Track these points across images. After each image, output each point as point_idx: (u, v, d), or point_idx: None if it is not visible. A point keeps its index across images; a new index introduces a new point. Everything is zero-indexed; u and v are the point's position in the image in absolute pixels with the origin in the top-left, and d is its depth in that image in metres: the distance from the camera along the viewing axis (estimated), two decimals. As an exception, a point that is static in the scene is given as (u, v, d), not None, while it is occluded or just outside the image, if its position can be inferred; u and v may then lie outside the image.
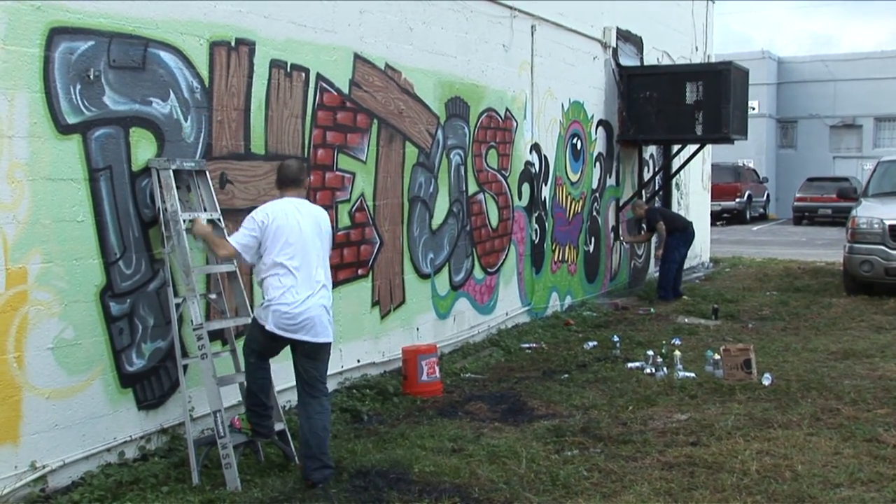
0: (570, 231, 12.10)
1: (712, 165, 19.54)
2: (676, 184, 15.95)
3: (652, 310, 12.18)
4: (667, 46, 15.39)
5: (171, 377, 6.01)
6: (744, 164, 32.62)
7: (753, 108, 29.15)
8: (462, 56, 9.34)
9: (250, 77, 6.64)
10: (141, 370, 5.85)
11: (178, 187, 5.82)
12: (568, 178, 11.98)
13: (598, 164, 12.96)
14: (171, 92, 5.99)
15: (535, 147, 11.03)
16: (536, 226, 11.12)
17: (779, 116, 38.30)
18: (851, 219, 13.34)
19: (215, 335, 6.16)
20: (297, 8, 7.05)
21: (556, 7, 11.34)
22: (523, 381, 8.15)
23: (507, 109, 10.29)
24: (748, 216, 31.66)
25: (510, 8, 10.25)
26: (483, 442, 6.28)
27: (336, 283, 7.06)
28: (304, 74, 7.17)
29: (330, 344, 5.67)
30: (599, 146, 13.01)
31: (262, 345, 5.65)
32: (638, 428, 6.62)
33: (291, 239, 5.49)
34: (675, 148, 14.81)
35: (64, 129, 5.31)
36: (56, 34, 5.24)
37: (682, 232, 13.17)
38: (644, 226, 13.59)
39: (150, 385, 5.93)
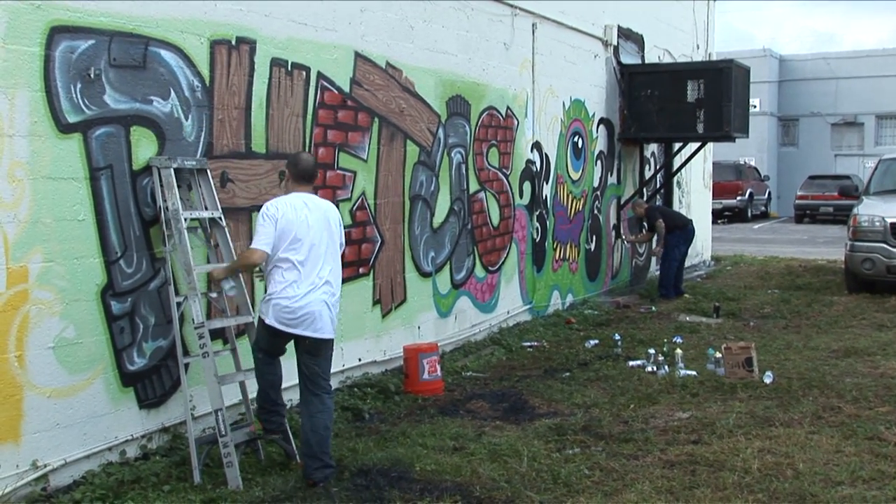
0: (571, 229, 12.10)
1: (713, 163, 19.54)
2: (678, 182, 15.94)
3: (653, 308, 12.18)
4: (668, 44, 15.38)
5: (173, 376, 6.01)
6: (745, 163, 32.59)
7: (755, 106, 29.18)
8: (463, 54, 9.33)
9: (251, 76, 6.64)
10: (142, 369, 5.85)
11: (179, 186, 5.82)
12: (569, 176, 11.98)
13: (599, 162, 12.95)
14: (172, 91, 5.99)
15: (537, 145, 11.02)
16: (538, 224, 11.12)
17: (780, 114, 38.29)
18: (853, 217, 13.33)
19: (216, 334, 6.16)
20: (297, 6, 7.05)
21: (558, 5, 11.33)
22: (525, 380, 8.15)
23: (508, 108, 10.29)
24: (749, 214, 31.65)
25: (511, 6, 10.25)
26: (484, 440, 6.28)
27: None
28: (304, 73, 7.17)
29: (332, 340, 5.66)
30: (601, 144, 13.00)
31: (265, 341, 5.66)
32: (639, 426, 6.62)
33: (300, 234, 5.48)
34: (677, 146, 14.79)
35: (64, 127, 5.31)
36: (56, 33, 5.23)
37: (681, 230, 13.16)
38: (645, 225, 13.59)
39: (152, 384, 5.93)
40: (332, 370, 5.83)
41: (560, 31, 11.51)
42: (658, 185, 15.08)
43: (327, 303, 5.56)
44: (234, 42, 6.47)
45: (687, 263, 14.16)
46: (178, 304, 5.82)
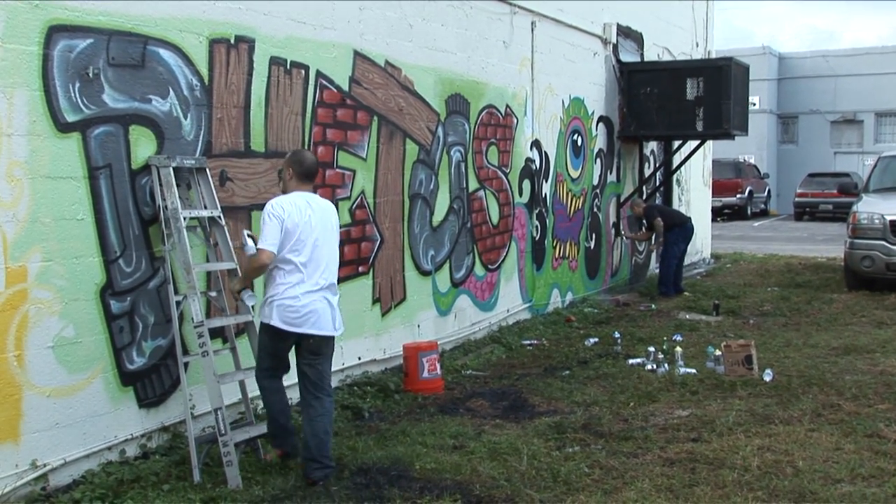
0: (570, 227, 12.09)
1: (713, 161, 19.53)
2: (677, 180, 15.94)
3: (653, 306, 12.18)
4: (667, 42, 15.38)
5: (172, 375, 6.01)
6: (745, 160, 32.59)
7: (754, 104, 29.14)
8: (462, 53, 9.32)
9: (250, 74, 6.63)
10: (141, 368, 5.85)
11: (178, 185, 5.81)
12: (569, 174, 11.98)
13: (598, 160, 12.95)
14: (171, 89, 5.98)
15: (536, 143, 11.02)
16: (537, 222, 11.12)
17: (779, 112, 38.29)
18: (852, 214, 13.33)
19: (216, 333, 6.15)
20: (296, 5, 7.04)
21: (557, 3, 11.32)
22: (524, 378, 8.15)
23: (507, 106, 10.28)
24: (749, 212, 31.66)
25: (510, 4, 10.24)
26: (484, 439, 6.28)
27: (337, 281, 7.05)
28: (303, 72, 7.16)
29: (333, 339, 5.66)
30: (600, 142, 13.00)
31: (271, 346, 5.59)
32: (639, 424, 6.62)
33: (303, 236, 5.44)
34: (676, 144, 14.79)
35: (63, 127, 5.30)
36: (55, 32, 5.23)
37: (680, 227, 13.17)
38: (644, 223, 13.59)
39: (151, 383, 5.93)
40: (332, 369, 5.83)
41: (559, 29, 11.50)
42: (657, 183, 15.08)
43: (329, 302, 5.55)
44: (232, 41, 6.47)
45: (686, 261, 14.17)
46: (178, 303, 5.82)
